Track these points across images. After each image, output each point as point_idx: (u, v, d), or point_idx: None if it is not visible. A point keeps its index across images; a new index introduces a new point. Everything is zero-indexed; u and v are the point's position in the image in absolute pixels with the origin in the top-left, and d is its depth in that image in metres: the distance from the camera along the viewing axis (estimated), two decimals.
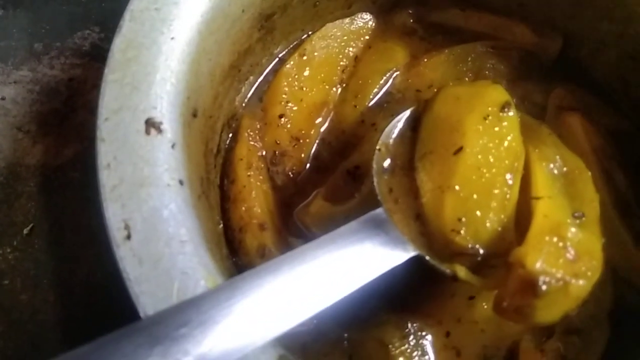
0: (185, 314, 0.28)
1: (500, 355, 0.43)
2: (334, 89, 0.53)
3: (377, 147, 0.43)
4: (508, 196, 0.39)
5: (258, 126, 0.50)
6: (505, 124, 0.41)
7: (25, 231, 0.51)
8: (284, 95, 0.51)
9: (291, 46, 0.55)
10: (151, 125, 0.35)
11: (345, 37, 0.54)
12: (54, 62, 0.58)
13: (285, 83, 0.51)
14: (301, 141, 0.50)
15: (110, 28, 0.38)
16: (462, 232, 0.38)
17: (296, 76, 0.52)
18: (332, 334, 0.42)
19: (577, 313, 0.42)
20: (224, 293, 0.30)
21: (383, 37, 0.55)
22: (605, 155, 0.47)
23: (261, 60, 0.53)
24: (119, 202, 0.32)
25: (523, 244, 0.36)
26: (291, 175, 0.49)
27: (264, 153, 0.50)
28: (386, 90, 0.53)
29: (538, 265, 0.34)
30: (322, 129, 0.51)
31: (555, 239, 0.36)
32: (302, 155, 0.50)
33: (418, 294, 0.44)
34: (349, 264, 0.35)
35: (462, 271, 0.38)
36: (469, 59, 0.52)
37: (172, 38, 0.38)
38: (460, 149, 0.40)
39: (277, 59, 0.55)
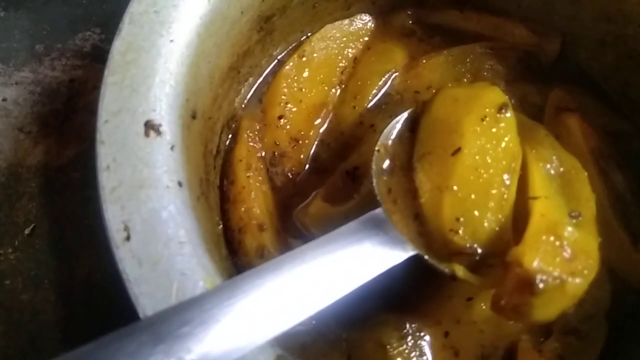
0: (187, 313, 0.28)
1: (499, 355, 0.43)
2: (333, 90, 0.53)
3: (376, 148, 0.43)
4: (505, 196, 0.39)
5: (257, 127, 0.51)
6: (502, 125, 0.41)
7: (26, 231, 0.51)
8: (283, 97, 0.51)
9: (290, 47, 0.55)
10: (150, 127, 0.35)
11: (344, 39, 0.55)
12: (55, 63, 0.58)
13: (285, 84, 0.52)
14: (300, 142, 0.50)
15: (111, 29, 0.38)
16: (460, 231, 0.38)
17: (295, 77, 0.52)
18: (331, 334, 0.42)
19: (575, 313, 0.43)
20: (225, 292, 0.30)
21: (382, 38, 0.55)
22: (603, 156, 0.48)
23: (260, 61, 0.53)
24: (118, 204, 0.33)
25: (520, 243, 0.37)
26: (290, 176, 0.49)
27: (263, 154, 0.50)
28: (385, 92, 0.53)
29: (535, 264, 0.35)
30: (321, 130, 0.51)
31: (552, 238, 0.36)
32: (301, 156, 0.50)
33: (417, 295, 0.44)
34: (348, 263, 0.35)
35: (460, 270, 0.38)
36: (468, 60, 0.52)
37: (171, 41, 0.38)
38: (458, 150, 0.40)
39: (276, 60, 0.55)
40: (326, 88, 0.53)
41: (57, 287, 0.49)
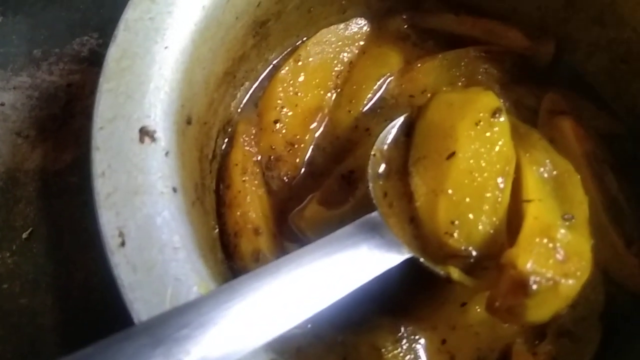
0: (185, 316, 0.29)
1: (494, 357, 0.43)
2: (329, 94, 0.53)
3: (372, 153, 0.43)
4: (499, 199, 0.40)
5: (253, 131, 0.51)
6: (496, 129, 0.41)
7: (24, 235, 0.51)
8: (279, 101, 0.51)
9: (286, 52, 0.55)
10: (145, 133, 0.35)
11: (339, 43, 0.55)
12: (52, 68, 0.59)
13: (281, 89, 0.52)
14: (296, 146, 0.50)
15: (109, 34, 0.38)
16: (455, 234, 0.39)
17: (291, 82, 0.52)
18: (327, 338, 0.43)
19: (569, 315, 0.43)
20: (223, 295, 0.30)
21: (377, 42, 0.55)
22: (597, 159, 0.48)
23: (256, 66, 0.53)
24: (113, 210, 0.33)
25: (514, 245, 0.37)
26: (286, 180, 0.50)
27: (259, 158, 0.50)
28: (380, 96, 0.53)
29: (529, 266, 0.35)
30: (317, 134, 0.52)
31: (545, 241, 0.37)
32: (297, 160, 0.50)
33: (412, 299, 0.44)
34: (345, 265, 0.36)
35: (455, 273, 0.38)
36: (462, 63, 0.52)
37: (166, 47, 0.38)
38: (453, 154, 0.40)
39: (272, 65, 0.55)
40: (322, 92, 0.53)
41: (55, 290, 0.49)
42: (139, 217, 0.33)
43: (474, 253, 0.39)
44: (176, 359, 0.27)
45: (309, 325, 0.42)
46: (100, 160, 0.34)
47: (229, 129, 0.51)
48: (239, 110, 0.53)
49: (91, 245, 0.50)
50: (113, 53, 0.37)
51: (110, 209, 0.33)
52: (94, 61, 0.59)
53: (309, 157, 0.51)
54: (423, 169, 0.42)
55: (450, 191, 0.40)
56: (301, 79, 0.52)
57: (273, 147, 0.50)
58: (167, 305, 0.31)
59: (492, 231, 0.39)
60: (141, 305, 0.31)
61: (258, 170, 0.49)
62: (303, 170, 0.50)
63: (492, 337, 0.43)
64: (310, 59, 0.53)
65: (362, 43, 0.56)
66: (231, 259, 0.45)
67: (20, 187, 0.53)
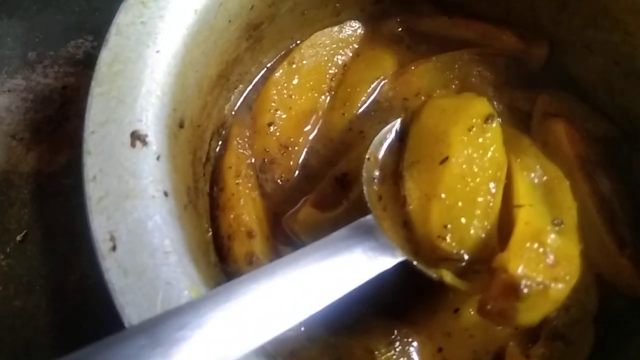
0: (183, 317, 0.29)
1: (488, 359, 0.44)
2: (323, 97, 0.53)
3: (367, 156, 0.44)
4: (491, 204, 0.40)
5: (247, 134, 0.51)
6: (488, 135, 0.41)
7: (18, 238, 0.51)
8: (273, 104, 0.51)
9: (280, 55, 0.56)
10: (136, 137, 0.35)
11: (334, 45, 0.55)
12: (47, 70, 0.59)
13: (275, 91, 0.52)
14: (290, 149, 0.50)
15: (104, 37, 0.39)
16: (447, 238, 0.39)
17: (285, 84, 0.52)
18: (320, 340, 0.43)
19: (562, 318, 0.43)
20: (220, 297, 0.31)
21: (371, 45, 0.55)
22: (590, 161, 0.48)
23: (250, 69, 0.53)
24: (104, 214, 0.33)
25: (506, 249, 0.37)
26: (280, 183, 0.50)
27: (253, 161, 0.50)
28: (374, 99, 0.53)
29: (520, 270, 0.35)
30: (311, 137, 0.52)
31: (535, 245, 0.37)
32: (291, 163, 0.50)
33: (406, 301, 0.44)
34: (340, 268, 0.36)
35: (448, 276, 0.39)
36: (456, 66, 0.52)
37: (158, 51, 0.38)
38: (446, 159, 0.41)
39: (266, 67, 0.55)
40: (316, 95, 0.53)
41: (50, 293, 0.49)
42: (130, 221, 0.33)
43: (465, 257, 0.39)
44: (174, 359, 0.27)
45: (303, 328, 0.42)
46: (92, 165, 0.34)
47: (223, 132, 0.51)
48: (233, 113, 0.53)
49: (85, 248, 0.50)
50: (105, 57, 0.37)
51: (101, 213, 0.33)
52: (89, 64, 0.59)
53: (303, 159, 0.51)
54: (416, 173, 0.42)
55: (443, 195, 0.40)
56: (295, 81, 0.52)
57: (267, 149, 0.50)
58: (158, 309, 0.31)
59: (483, 235, 0.39)
60: (132, 309, 0.31)
61: (252, 173, 0.49)
62: (297, 173, 0.50)
63: (486, 339, 0.44)
64: (304, 62, 0.53)
65: (356, 46, 0.56)
66: (224, 262, 0.45)
67: (14, 190, 0.53)
